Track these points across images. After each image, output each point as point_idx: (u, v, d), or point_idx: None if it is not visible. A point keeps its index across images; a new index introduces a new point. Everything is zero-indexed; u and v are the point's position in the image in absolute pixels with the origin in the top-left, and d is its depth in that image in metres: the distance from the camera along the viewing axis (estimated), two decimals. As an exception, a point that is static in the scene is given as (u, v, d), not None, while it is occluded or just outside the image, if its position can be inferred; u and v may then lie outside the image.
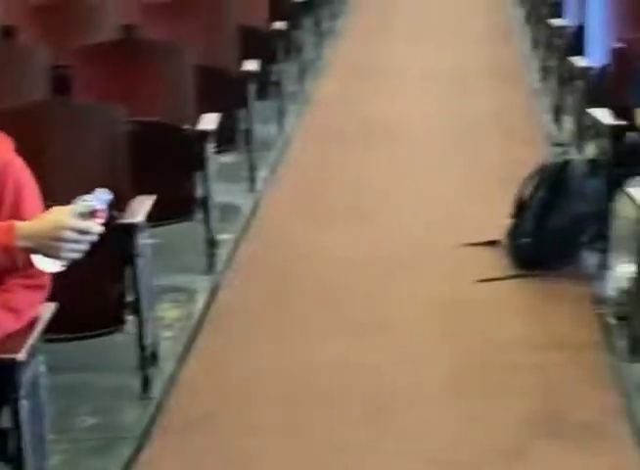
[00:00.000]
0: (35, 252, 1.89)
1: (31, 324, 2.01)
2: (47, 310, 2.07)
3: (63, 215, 1.86)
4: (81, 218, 1.85)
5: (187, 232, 3.73)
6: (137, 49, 3.76)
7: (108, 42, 3.79)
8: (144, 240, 2.81)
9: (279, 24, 5.25)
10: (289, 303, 3.41)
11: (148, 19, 4.35)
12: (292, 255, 3.79)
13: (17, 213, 1.99)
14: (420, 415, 2.72)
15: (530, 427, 2.65)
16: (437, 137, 5.12)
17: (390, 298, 3.41)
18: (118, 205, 2.77)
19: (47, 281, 2.04)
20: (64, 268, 1.91)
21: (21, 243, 1.88)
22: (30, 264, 1.97)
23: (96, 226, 1.87)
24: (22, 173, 2.06)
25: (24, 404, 1.96)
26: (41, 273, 2.01)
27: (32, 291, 2.02)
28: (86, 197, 1.88)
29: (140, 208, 2.83)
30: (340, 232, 3.97)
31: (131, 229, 2.72)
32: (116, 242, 2.65)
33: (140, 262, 2.77)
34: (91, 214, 1.86)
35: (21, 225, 1.89)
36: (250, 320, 3.29)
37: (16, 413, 1.95)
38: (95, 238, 1.88)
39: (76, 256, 1.89)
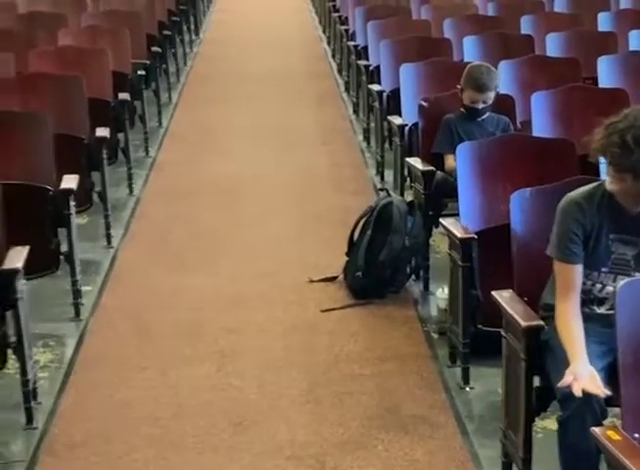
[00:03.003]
0: None
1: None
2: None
3: None
4: None
5: (52, 285, 4.06)
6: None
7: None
8: (23, 285, 3.13)
9: (123, 96, 5.66)
10: (152, 338, 3.78)
11: (1, 93, 4.70)
12: (150, 299, 4.15)
13: None
14: (279, 420, 3.16)
15: (371, 422, 3.14)
16: (277, 191, 5.63)
17: (248, 329, 3.84)
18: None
19: None
20: None
21: None
22: None
23: None
24: None
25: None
26: None
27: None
28: None
29: (17, 256, 3.15)
30: (193, 277, 4.37)
31: (12, 275, 3.04)
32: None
33: (21, 306, 3.08)
34: None
35: None
36: (118, 357, 3.63)
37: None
38: None
39: None
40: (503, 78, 4.59)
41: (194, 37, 10.85)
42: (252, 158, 6.36)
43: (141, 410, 3.24)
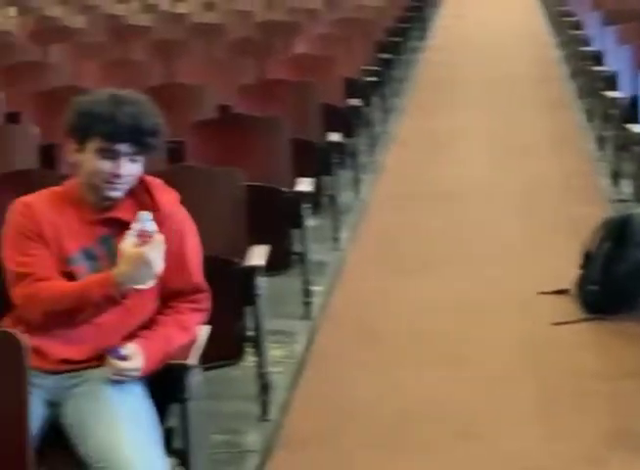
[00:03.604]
0: (133, 284, 2.24)
1: (196, 340, 2.45)
2: (205, 330, 2.51)
3: (132, 250, 2.20)
4: (138, 242, 2.22)
5: (283, 283, 4.19)
6: (241, 124, 4.28)
7: (217, 119, 4.31)
8: (262, 282, 3.25)
9: (353, 102, 5.76)
10: (378, 340, 3.81)
11: (242, 98, 4.93)
12: (376, 301, 4.20)
13: (180, 261, 2.34)
14: (511, 431, 3.10)
15: (607, 440, 3.01)
16: (504, 197, 5.53)
17: (475, 337, 3.80)
18: (238, 253, 3.25)
19: (208, 305, 2.47)
20: (154, 283, 2.28)
21: (119, 288, 2.23)
22: (194, 291, 2.42)
23: (157, 240, 2.22)
24: (185, 224, 2.40)
25: (191, 405, 2.38)
26: (205, 299, 2.44)
27: (198, 313, 2.45)
28: (134, 225, 2.25)
29: (258, 254, 3.27)
30: (418, 281, 4.38)
31: (253, 272, 3.17)
32: (240, 283, 3.09)
33: (260, 302, 3.20)
34: (143, 237, 2.23)
35: (114, 273, 2.23)
36: (345, 356, 3.69)
37: (184, 412, 2.37)
38: (163, 247, 2.24)
39: (161, 267, 2.24)
40: None
41: (421, 43, 10.90)
42: (479, 164, 6.29)
43: (367, 410, 3.28)
